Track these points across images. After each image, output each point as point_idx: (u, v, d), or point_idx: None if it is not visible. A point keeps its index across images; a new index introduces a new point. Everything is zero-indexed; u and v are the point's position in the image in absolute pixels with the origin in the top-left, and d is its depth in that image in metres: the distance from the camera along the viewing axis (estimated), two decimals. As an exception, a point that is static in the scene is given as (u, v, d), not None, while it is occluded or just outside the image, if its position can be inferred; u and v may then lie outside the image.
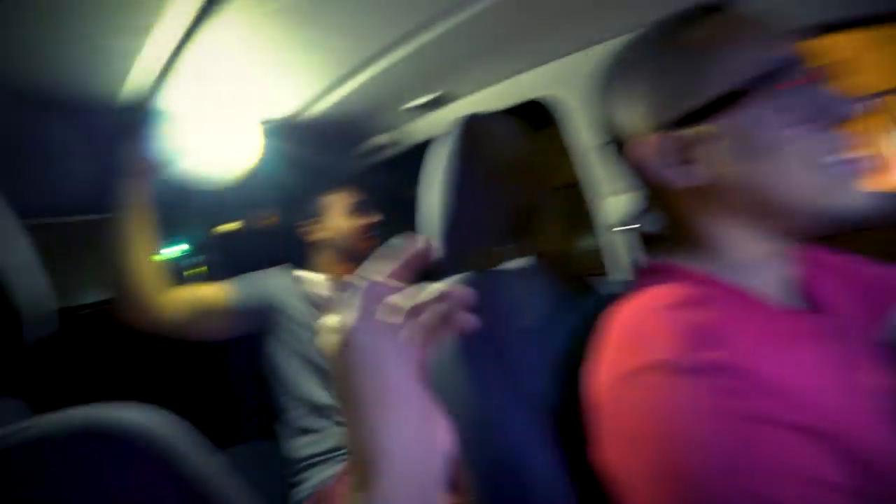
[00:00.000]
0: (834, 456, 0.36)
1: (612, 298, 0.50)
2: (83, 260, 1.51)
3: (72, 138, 1.01)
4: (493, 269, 0.77)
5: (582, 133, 1.05)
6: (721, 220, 0.49)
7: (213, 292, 1.19)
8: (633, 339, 0.44)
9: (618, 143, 0.55)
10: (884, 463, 0.39)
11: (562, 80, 1.04)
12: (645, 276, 0.52)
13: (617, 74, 0.53)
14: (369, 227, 1.33)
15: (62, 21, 0.64)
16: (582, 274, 0.91)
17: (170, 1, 0.64)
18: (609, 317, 0.48)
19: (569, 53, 1.00)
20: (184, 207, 1.52)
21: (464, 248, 0.67)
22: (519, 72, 1.08)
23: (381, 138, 1.43)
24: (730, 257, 0.49)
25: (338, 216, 1.33)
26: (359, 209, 1.34)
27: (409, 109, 1.26)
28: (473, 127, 0.67)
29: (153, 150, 1.03)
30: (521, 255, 0.85)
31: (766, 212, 0.46)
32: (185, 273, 1.69)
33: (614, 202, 0.98)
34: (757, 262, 0.49)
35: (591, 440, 0.46)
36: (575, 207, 1.21)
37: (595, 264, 1.11)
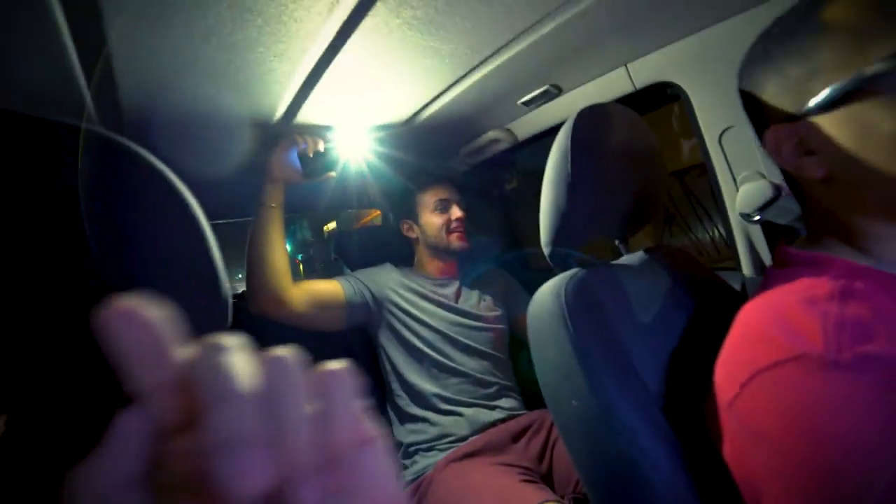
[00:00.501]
0: None
1: (744, 291, 0.48)
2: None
3: (230, 151, 1.19)
4: (610, 262, 0.76)
5: (706, 117, 0.99)
6: (859, 208, 0.45)
7: (331, 287, 1.30)
8: (775, 332, 0.42)
9: (758, 127, 0.52)
10: None
11: (676, 65, 0.99)
12: (785, 267, 0.49)
13: (751, 63, 0.52)
14: (454, 223, 1.38)
15: (231, 47, 0.76)
16: (706, 265, 0.86)
17: (316, 28, 0.74)
18: (745, 310, 0.46)
19: (679, 39, 0.95)
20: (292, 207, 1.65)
21: (578, 243, 0.68)
22: (630, 60, 1.05)
23: (492, 134, 1.47)
24: (879, 248, 0.45)
25: (427, 213, 1.40)
26: (445, 206, 1.40)
27: (520, 104, 1.28)
28: (591, 118, 0.67)
29: (294, 159, 1.17)
30: (642, 246, 0.82)
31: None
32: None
33: (745, 189, 0.91)
34: None
35: (715, 436, 0.45)
36: (693, 194, 1.14)
37: (722, 255, 1.03)
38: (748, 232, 0.97)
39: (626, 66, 1.06)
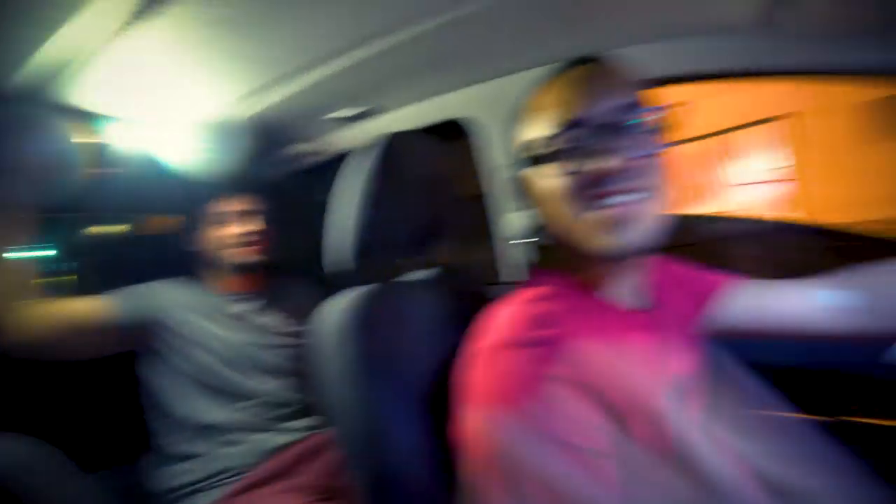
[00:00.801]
0: (610, 412, 0.47)
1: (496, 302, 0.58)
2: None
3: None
4: (396, 280, 0.80)
5: (493, 152, 1.14)
6: (566, 238, 0.58)
7: (89, 307, 1.08)
8: (490, 326, 0.53)
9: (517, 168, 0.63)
10: (668, 428, 0.49)
11: (483, 102, 1.12)
12: (526, 281, 0.61)
13: (520, 110, 0.62)
14: (248, 237, 1.24)
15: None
16: (480, 283, 0.99)
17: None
18: (487, 314, 0.57)
19: (491, 79, 1.09)
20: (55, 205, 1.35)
21: (375, 261, 0.70)
22: (443, 92, 1.15)
23: (309, 145, 1.43)
24: (579, 268, 0.59)
25: (217, 225, 1.24)
26: (237, 217, 1.24)
27: (334, 120, 1.28)
28: (396, 144, 0.71)
29: (44, 146, 0.93)
30: (427, 266, 0.88)
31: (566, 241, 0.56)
32: (50, 282, 1.48)
33: (514, 217, 1.08)
34: (600, 273, 0.58)
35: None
36: (476, 219, 1.29)
37: (493, 273, 1.21)
38: (509, 253, 1.15)
39: (431, 98, 1.17)
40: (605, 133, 0.51)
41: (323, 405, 0.65)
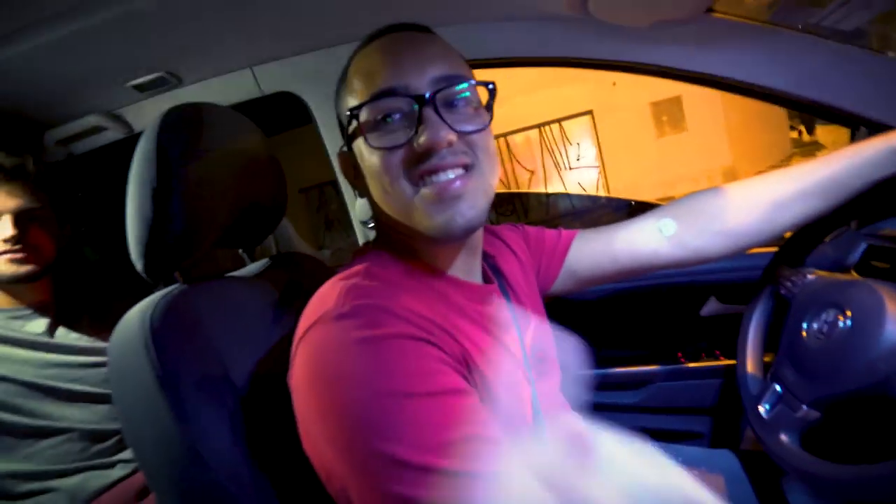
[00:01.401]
0: (451, 359, 0.44)
1: None
2: None
3: None
4: (223, 275, 0.71)
5: (329, 133, 1.06)
6: (390, 221, 0.55)
7: None
8: (313, 307, 0.47)
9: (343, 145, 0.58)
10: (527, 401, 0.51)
11: (302, 77, 1.03)
12: (350, 261, 0.56)
13: (337, 86, 0.57)
14: (6, 243, 0.95)
15: None
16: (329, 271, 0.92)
17: None
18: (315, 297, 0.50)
19: (305, 52, 1.00)
20: None
21: (175, 257, 0.60)
22: (256, 63, 1.03)
23: (94, 119, 1.17)
24: (414, 243, 0.55)
25: None
26: None
27: (131, 87, 1.06)
28: (182, 119, 0.59)
29: None
30: (257, 257, 0.80)
31: (394, 219, 0.53)
32: None
33: (361, 201, 1.03)
34: (437, 247, 0.55)
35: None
36: (328, 206, 1.22)
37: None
38: (368, 236, 1.10)
39: (251, 68, 1.03)
40: (426, 105, 0.48)
41: (128, 430, 0.55)
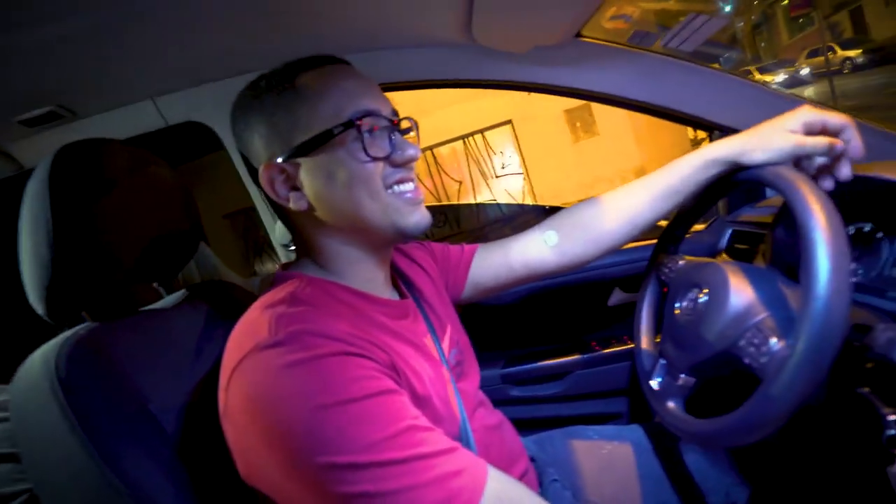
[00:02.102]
0: (384, 368, 0.48)
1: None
2: None
3: None
4: (140, 309, 0.69)
5: (240, 159, 1.07)
6: (327, 235, 0.58)
7: None
8: (241, 337, 0.48)
9: (253, 171, 0.59)
10: (432, 397, 0.55)
11: (209, 106, 1.03)
12: (271, 285, 0.58)
13: (244, 110, 0.58)
14: None
15: None
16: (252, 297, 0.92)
17: None
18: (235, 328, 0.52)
19: (215, 79, 1.00)
20: None
21: (79, 297, 0.59)
22: (158, 94, 1.01)
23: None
24: (336, 264, 0.59)
25: None
26: None
27: (18, 123, 1.00)
28: (77, 154, 0.58)
29: None
30: (174, 289, 0.79)
31: (353, 228, 0.57)
32: None
33: (279, 225, 1.04)
34: (359, 266, 0.60)
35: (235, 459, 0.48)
36: (255, 230, 1.21)
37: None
38: (290, 258, 1.10)
39: (153, 99, 1.01)
40: (393, 130, 0.56)
41: (41, 482, 0.52)
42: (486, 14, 0.82)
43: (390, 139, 0.55)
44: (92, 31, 0.76)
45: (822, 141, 0.60)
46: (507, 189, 8.24)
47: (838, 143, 0.60)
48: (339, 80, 0.56)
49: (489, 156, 8.18)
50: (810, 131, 0.62)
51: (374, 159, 0.54)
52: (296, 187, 0.56)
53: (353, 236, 0.58)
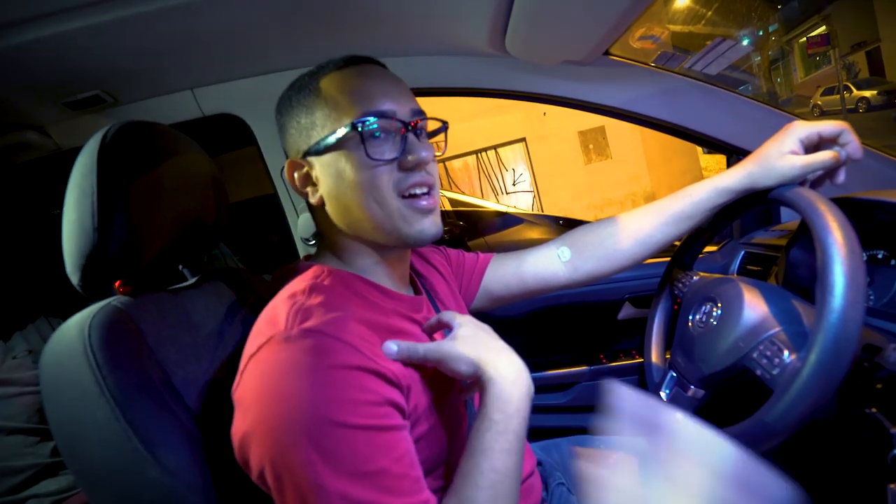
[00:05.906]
0: (391, 386, 0.49)
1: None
2: None
3: None
4: (167, 288, 0.72)
5: (270, 153, 1.10)
6: (341, 231, 0.60)
7: None
8: (262, 325, 0.51)
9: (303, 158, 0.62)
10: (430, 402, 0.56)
11: (242, 100, 1.06)
12: (292, 275, 0.60)
13: (281, 108, 0.61)
14: None
15: None
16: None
17: None
18: (264, 313, 0.54)
19: (245, 76, 1.04)
20: None
21: (114, 270, 0.60)
22: (197, 85, 1.05)
23: (19, 136, 1.13)
24: (353, 258, 0.61)
25: None
26: None
27: (63, 105, 1.04)
28: (128, 134, 0.61)
29: None
30: (198, 271, 0.81)
31: (360, 228, 0.59)
32: None
33: (302, 218, 1.07)
34: (375, 262, 0.62)
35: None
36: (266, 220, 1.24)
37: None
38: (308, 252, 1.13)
39: (192, 90, 1.05)
40: (409, 131, 0.56)
41: (68, 446, 0.54)
42: (522, 27, 0.85)
43: (404, 141, 0.56)
44: (140, 19, 0.80)
45: (827, 156, 0.63)
46: (516, 206, 8.29)
47: (839, 155, 0.63)
48: (356, 82, 0.57)
49: (501, 172, 8.24)
50: (809, 145, 0.65)
51: (379, 162, 0.54)
52: (313, 183, 0.59)
53: (364, 235, 0.60)
